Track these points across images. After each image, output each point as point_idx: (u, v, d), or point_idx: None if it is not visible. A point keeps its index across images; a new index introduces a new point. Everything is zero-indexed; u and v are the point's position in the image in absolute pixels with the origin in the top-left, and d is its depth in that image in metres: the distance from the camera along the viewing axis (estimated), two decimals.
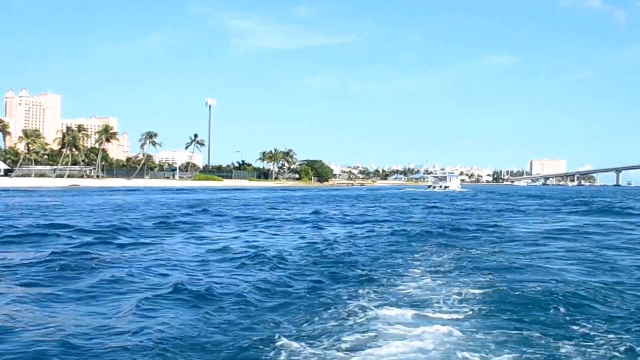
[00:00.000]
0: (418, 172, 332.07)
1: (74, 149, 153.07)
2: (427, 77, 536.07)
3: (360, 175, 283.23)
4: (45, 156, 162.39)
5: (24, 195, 62.56)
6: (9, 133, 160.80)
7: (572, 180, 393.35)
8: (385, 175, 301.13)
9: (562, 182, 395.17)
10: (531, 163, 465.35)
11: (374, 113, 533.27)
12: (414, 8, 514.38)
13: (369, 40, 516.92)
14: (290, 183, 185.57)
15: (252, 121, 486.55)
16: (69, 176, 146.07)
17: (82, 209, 38.93)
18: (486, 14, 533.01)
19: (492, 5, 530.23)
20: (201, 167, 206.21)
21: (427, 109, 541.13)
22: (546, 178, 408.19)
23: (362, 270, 13.07)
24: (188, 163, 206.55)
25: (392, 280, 11.87)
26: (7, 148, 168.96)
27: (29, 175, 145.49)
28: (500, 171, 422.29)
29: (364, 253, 16.33)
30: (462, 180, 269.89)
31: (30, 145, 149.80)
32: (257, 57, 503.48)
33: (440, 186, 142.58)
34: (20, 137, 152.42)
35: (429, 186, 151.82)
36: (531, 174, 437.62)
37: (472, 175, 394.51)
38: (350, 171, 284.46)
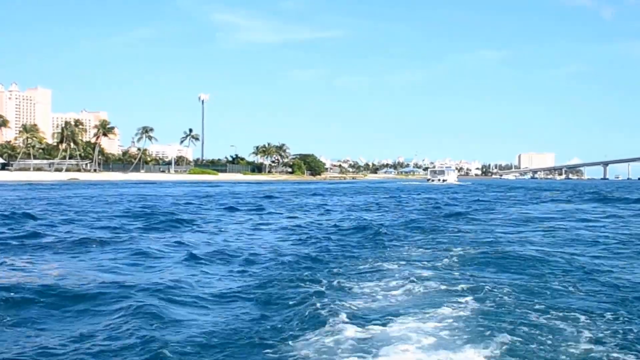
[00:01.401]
0: (408, 165, 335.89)
1: (72, 144, 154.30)
2: (415, 71, 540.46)
3: (351, 169, 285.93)
4: (41, 150, 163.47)
5: (48, 189, 64.44)
6: (9, 127, 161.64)
7: (560, 174, 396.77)
8: (375, 169, 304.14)
9: (550, 176, 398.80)
10: (519, 157, 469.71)
11: (362, 107, 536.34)
12: (401, 1, 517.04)
13: (357, 33, 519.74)
14: (284, 177, 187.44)
15: (241, 115, 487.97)
16: (66, 170, 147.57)
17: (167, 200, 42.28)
18: (475, 8, 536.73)
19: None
20: (191, 160, 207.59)
21: (415, 103, 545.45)
22: (534, 172, 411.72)
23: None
24: (180, 157, 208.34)
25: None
26: (3, 142, 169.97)
27: (27, 169, 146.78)
28: (489, 165, 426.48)
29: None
30: None
31: (29, 140, 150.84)
32: (244, 52, 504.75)
33: (439, 179, 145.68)
34: (20, 132, 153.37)
35: (428, 179, 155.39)
36: (519, 168, 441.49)
37: (461, 168, 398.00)
38: (340, 165, 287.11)
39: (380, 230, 19.36)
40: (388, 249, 15.25)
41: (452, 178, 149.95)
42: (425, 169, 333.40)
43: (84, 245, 15.41)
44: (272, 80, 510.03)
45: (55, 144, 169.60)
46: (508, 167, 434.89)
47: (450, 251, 14.32)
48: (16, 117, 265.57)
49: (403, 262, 12.69)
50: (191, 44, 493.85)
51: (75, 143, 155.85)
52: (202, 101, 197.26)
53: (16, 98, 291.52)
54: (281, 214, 29.88)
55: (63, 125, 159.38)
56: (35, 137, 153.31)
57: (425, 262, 12.64)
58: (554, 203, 42.38)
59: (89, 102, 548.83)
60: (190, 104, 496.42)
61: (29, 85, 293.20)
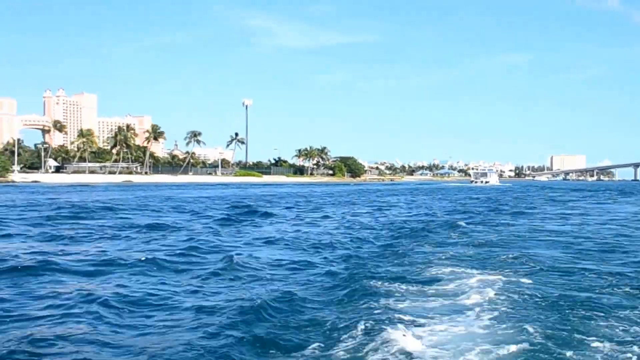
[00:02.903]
0: (443, 167, 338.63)
1: (124, 147, 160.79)
2: (444, 74, 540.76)
3: (387, 171, 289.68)
4: (92, 154, 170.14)
5: (120, 191, 70.11)
6: (65, 133, 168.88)
7: (592, 175, 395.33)
8: (411, 171, 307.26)
9: (581, 177, 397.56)
10: (551, 158, 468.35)
11: (394, 109, 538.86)
12: (428, 7, 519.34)
13: (385, 37, 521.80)
14: (325, 179, 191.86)
15: (278, 118, 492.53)
16: (119, 173, 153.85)
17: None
18: (503, 13, 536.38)
19: (510, 4, 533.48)
20: (232, 163, 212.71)
21: (446, 106, 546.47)
22: (566, 173, 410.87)
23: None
24: (222, 159, 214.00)
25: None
26: (56, 147, 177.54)
27: (81, 172, 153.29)
28: (522, 166, 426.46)
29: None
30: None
31: (84, 144, 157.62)
32: (278, 56, 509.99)
33: (482, 181, 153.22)
34: (77, 136, 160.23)
35: (471, 181, 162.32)
36: (552, 169, 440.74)
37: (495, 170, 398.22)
38: (377, 167, 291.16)
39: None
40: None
41: (493, 179, 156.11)
42: (460, 170, 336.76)
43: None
44: (304, 84, 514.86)
45: (105, 147, 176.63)
46: (540, 169, 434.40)
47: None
48: (64, 121, 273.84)
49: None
50: (227, 49, 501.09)
51: (128, 147, 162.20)
52: (246, 106, 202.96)
53: (63, 103, 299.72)
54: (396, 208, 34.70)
55: (116, 130, 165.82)
56: (91, 142, 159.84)
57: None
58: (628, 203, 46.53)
59: (129, 106, 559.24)
60: (230, 108, 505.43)
61: (74, 91, 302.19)
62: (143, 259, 14.54)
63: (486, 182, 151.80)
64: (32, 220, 26.53)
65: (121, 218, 28.60)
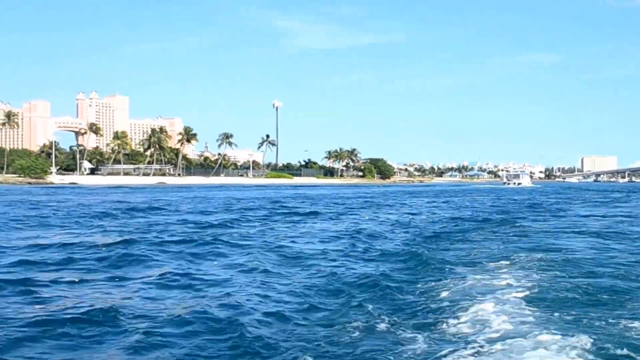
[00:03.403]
0: (472, 169, 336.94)
1: (158, 149, 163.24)
2: (470, 74, 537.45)
3: (416, 173, 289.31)
4: (125, 156, 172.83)
5: (159, 192, 71.81)
6: (101, 135, 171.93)
7: (623, 177, 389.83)
8: (440, 173, 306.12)
9: (613, 179, 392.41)
10: (582, 160, 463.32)
11: (420, 110, 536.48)
12: (454, 6, 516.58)
13: (413, 37, 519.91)
14: (355, 180, 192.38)
15: (307, 119, 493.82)
16: (153, 174, 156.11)
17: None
18: (530, 12, 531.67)
19: (538, 3, 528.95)
20: (262, 165, 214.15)
21: (474, 106, 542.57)
22: (597, 175, 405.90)
23: None
24: (253, 161, 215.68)
25: None
26: (91, 149, 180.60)
27: (116, 174, 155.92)
28: (552, 168, 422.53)
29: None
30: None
31: (119, 146, 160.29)
32: (306, 57, 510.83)
33: (514, 182, 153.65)
34: (113, 138, 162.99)
35: (504, 183, 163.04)
36: (582, 171, 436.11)
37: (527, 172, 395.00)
38: (406, 169, 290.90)
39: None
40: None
41: (526, 181, 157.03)
42: (490, 172, 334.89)
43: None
44: (332, 85, 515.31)
45: (139, 149, 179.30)
46: (571, 170, 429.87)
47: None
48: (97, 124, 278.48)
49: None
50: (254, 50, 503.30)
51: (162, 149, 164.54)
52: (277, 108, 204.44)
53: (96, 105, 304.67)
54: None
55: (149, 132, 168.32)
56: (126, 144, 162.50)
57: None
58: None
59: (158, 108, 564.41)
60: (258, 109, 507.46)
61: (105, 93, 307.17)
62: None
63: (518, 183, 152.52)
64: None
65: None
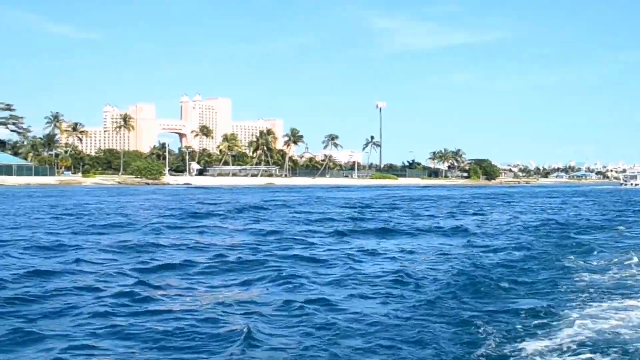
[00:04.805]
0: (579, 169, 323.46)
1: (265, 151, 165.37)
2: (573, 73, 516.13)
3: (521, 173, 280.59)
4: (232, 157, 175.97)
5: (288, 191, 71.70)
6: (212, 137, 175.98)
7: None
8: (545, 173, 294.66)
9: None
10: None
11: (522, 110, 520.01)
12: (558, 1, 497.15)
13: (517, 35, 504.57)
14: (461, 181, 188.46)
15: (406, 120, 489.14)
16: (260, 176, 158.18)
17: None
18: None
19: None
20: (363, 165, 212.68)
21: (580, 105, 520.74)
22: None
23: None
24: (354, 162, 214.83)
25: None
26: (200, 150, 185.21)
27: (224, 175, 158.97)
28: None
29: None
30: None
31: (228, 148, 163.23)
32: (406, 56, 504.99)
33: (632, 183, 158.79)
34: (222, 140, 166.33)
35: (621, 183, 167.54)
36: None
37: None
38: (511, 169, 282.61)
39: None
40: None
41: None
42: (598, 172, 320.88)
43: None
44: (433, 85, 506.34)
45: (245, 151, 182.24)
46: None
47: None
48: (207, 126, 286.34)
49: None
50: (352, 50, 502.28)
51: (269, 150, 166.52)
52: (380, 109, 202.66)
53: (199, 107, 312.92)
54: None
55: (257, 134, 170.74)
56: (235, 145, 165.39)
57: None
58: None
59: (258, 109, 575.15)
60: (360, 110, 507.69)
61: (208, 95, 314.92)
62: None
63: (636, 184, 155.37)
64: None
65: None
